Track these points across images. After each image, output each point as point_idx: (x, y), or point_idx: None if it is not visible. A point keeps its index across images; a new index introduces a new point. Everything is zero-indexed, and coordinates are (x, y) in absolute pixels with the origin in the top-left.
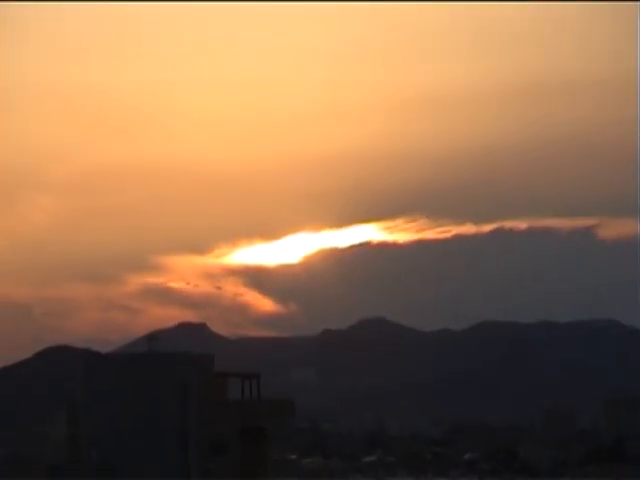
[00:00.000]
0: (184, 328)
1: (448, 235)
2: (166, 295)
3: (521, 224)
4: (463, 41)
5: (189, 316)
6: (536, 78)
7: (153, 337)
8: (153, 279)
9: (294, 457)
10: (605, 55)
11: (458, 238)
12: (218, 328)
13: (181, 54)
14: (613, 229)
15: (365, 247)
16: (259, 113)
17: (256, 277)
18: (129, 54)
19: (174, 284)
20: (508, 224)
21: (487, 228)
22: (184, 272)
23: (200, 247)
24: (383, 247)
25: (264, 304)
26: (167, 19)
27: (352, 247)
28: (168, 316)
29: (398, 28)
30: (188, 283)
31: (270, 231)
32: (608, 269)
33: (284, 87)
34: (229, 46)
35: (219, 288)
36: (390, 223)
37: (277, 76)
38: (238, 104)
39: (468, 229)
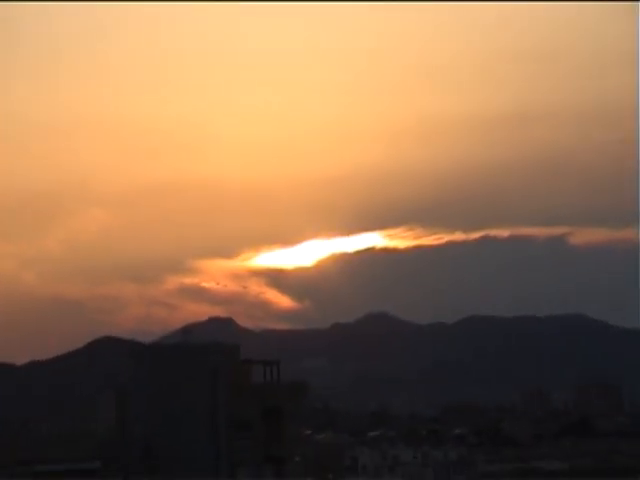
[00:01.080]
0: (214, 322)
1: (441, 242)
2: (199, 293)
3: (504, 232)
4: (454, 76)
5: (218, 311)
6: (519, 108)
7: (187, 330)
8: (188, 280)
9: (309, 432)
10: (572, 89)
11: (449, 244)
12: (243, 322)
13: (212, 88)
14: (582, 237)
15: (370, 252)
16: (279, 139)
17: (276, 278)
18: (166, 87)
19: (206, 284)
20: (493, 232)
21: (474, 236)
22: (214, 274)
23: (228, 252)
24: (385, 252)
25: (283, 301)
26: (198, 58)
27: (358, 252)
28: (200, 311)
29: (400, 65)
30: (218, 283)
31: (288, 238)
32: (578, 271)
33: (301, 118)
34: (253, 82)
35: (244, 287)
36: (391, 231)
37: (294, 109)
38: (261, 131)
39: (458, 237)
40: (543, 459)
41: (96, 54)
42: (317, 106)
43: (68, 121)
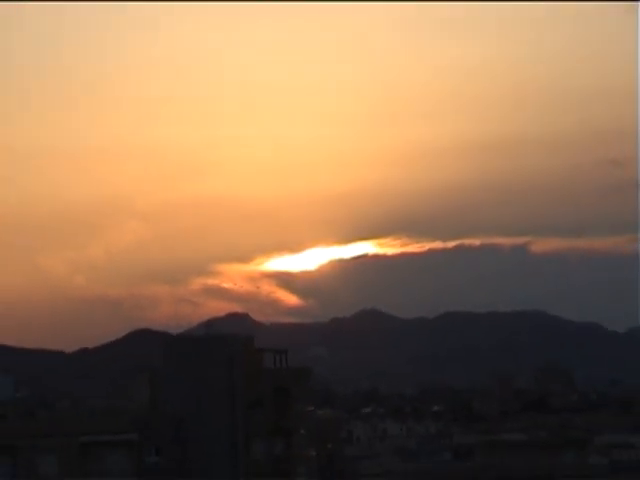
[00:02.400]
0: (232, 317)
1: (423, 249)
2: (219, 293)
3: (476, 241)
4: (434, 109)
5: (236, 308)
6: (490, 137)
7: (209, 323)
8: (210, 281)
9: (312, 409)
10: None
11: (430, 251)
12: (257, 316)
13: (229, 118)
14: (542, 245)
15: (363, 258)
16: (286, 163)
17: (284, 280)
18: (191, 119)
19: (225, 284)
20: (466, 241)
21: (451, 244)
22: (232, 276)
23: (244, 258)
24: (376, 258)
25: (290, 299)
26: (213, 92)
27: (353, 258)
28: (220, 308)
29: (387, 99)
30: (235, 284)
31: (294, 246)
32: (538, 274)
33: (305, 145)
34: (263, 113)
35: (257, 287)
36: (381, 241)
37: (299, 137)
38: (271, 156)
39: (437, 245)
40: (507, 432)
41: (132, 93)
42: (318, 135)
43: (111, 148)
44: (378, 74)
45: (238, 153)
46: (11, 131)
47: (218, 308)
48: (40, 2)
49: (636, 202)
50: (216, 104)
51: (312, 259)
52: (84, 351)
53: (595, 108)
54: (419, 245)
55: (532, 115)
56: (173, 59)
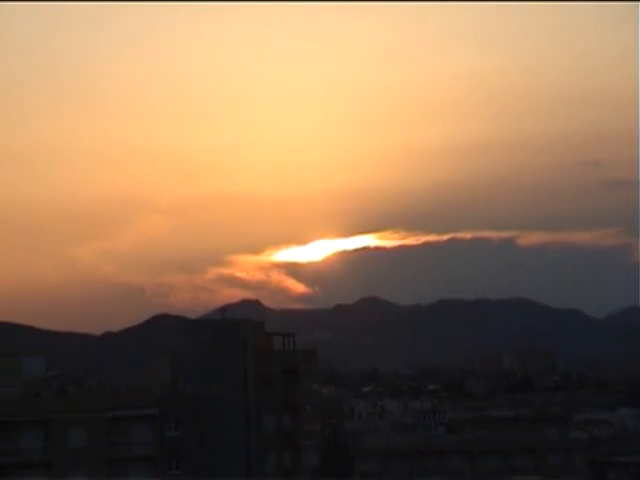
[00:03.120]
0: (245, 303)
1: (419, 242)
2: (233, 281)
3: (467, 235)
4: (436, 111)
5: (248, 295)
6: (480, 140)
7: (224, 309)
8: (225, 270)
9: (317, 388)
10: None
11: (426, 244)
12: (267, 303)
13: (246, 123)
14: (527, 239)
15: (364, 250)
16: (295, 164)
17: (292, 269)
18: (212, 123)
19: (239, 274)
20: (459, 235)
21: (445, 237)
22: (245, 266)
23: (256, 250)
24: (376, 250)
25: (298, 287)
26: (233, 100)
27: (356, 250)
28: (234, 295)
29: (387, 105)
30: (248, 273)
31: (302, 239)
32: (523, 265)
33: (311, 147)
34: (277, 118)
35: (268, 276)
36: (381, 234)
37: (307, 140)
38: (281, 158)
39: (432, 238)
40: (495, 409)
41: (158, 100)
42: (323, 139)
43: (137, 150)
44: (379, 84)
45: (251, 155)
46: (48, 133)
47: (232, 295)
48: (69, 2)
49: (612, 199)
50: (232, 111)
51: (318, 251)
52: (110, 334)
53: (576, 113)
54: (416, 238)
55: (519, 120)
56: (196, 70)
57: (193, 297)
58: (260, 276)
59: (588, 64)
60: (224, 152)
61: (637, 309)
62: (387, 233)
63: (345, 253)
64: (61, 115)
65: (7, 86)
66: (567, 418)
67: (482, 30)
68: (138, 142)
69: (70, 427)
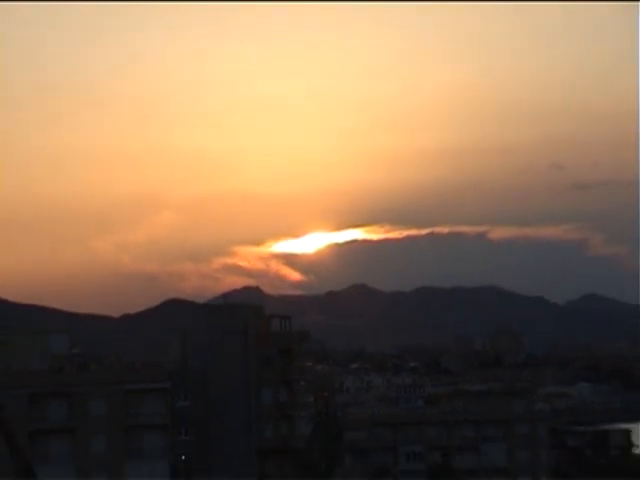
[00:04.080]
0: (246, 289)
1: (401, 235)
2: (236, 270)
3: (444, 229)
4: (417, 120)
5: (249, 282)
6: (458, 145)
7: (228, 295)
8: (229, 260)
9: (310, 365)
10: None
11: (407, 237)
12: (267, 289)
13: (248, 128)
14: (498, 233)
15: (353, 243)
16: (291, 167)
17: (289, 259)
18: (216, 127)
19: (241, 263)
20: (437, 229)
21: (424, 231)
22: (247, 256)
23: (256, 241)
24: (364, 243)
25: (294, 275)
26: (236, 106)
27: (346, 242)
28: (237, 282)
29: (382, 112)
30: (249, 262)
31: (298, 232)
32: (494, 256)
33: (306, 150)
34: (277, 123)
35: (267, 265)
36: (368, 228)
37: (303, 143)
38: (281, 159)
39: (413, 232)
40: (469, 383)
41: (171, 109)
42: (319, 144)
43: (151, 152)
44: (367, 97)
45: (253, 158)
46: (69, 138)
47: (235, 282)
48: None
49: (573, 199)
50: (236, 119)
51: (312, 243)
52: (127, 316)
53: (542, 122)
54: (398, 232)
55: (492, 127)
56: (205, 82)
57: (200, 284)
58: (260, 265)
59: (560, 80)
60: (228, 155)
61: (593, 296)
62: (373, 227)
63: (336, 245)
64: (84, 122)
65: (39, 90)
66: (532, 392)
67: (463, 47)
68: (151, 146)
69: (91, 398)
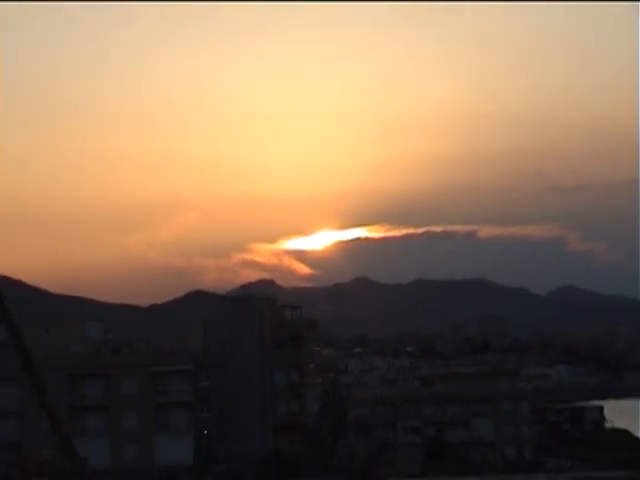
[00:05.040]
0: (261, 282)
1: (400, 234)
2: (253, 265)
3: (438, 228)
4: (415, 129)
5: (265, 276)
6: (452, 153)
7: (245, 286)
8: (246, 256)
9: (318, 349)
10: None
11: (405, 235)
12: (280, 282)
13: (258, 136)
14: (486, 232)
15: (357, 240)
16: (304, 170)
17: (299, 255)
18: (232, 136)
19: (257, 258)
20: (432, 228)
21: (420, 230)
22: (263, 252)
23: (271, 239)
24: (367, 240)
25: (304, 269)
26: (246, 117)
27: (350, 240)
28: (253, 275)
29: (383, 123)
30: (264, 258)
31: (307, 231)
32: (482, 252)
33: (316, 156)
34: (285, 132)
35: (280, 261)
36: (371, 227)
37: (311, 150)
38: (293, 165)
39: (410, 230)
40: (460, 366)
41: (191, 120)
42: (326, 151)
43: (177, 159)
44: (370, 108)
45: (267, 164)
46: (104, 146)
47: (251, 275)
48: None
49: (552, 201)
50: (252, 128)
51: (320, 240)
52: (155, 305)
53: (527, 132)
54: (397, 231)
55: (481, 137)
56: (224, 94)
57: (221, 277)
58: (274, 260)
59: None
60: (245, 162)
61: (571, 287)
62: (375, 227)
63: (341, 242)
64: (116, 135)
65: (78, 104)
66: (516, 373)
67: (459, 63)
68: (177, 153)
69: (123, 379)
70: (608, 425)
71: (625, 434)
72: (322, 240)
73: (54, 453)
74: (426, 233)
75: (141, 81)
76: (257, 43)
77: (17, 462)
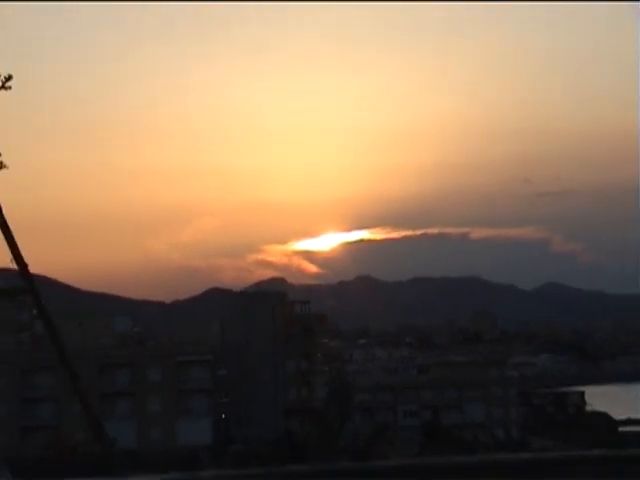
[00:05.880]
0: (273, 280)
1: (400, 236)
2: (265, 264)
3: (434, 230)
4: (412, 139)
5: (276, 274)
6: (446, 162)
7: (258, 284)
8: (259, 256)
9: (325, 341)
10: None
11: (404, 237)
12: (291, 280)
13: (267, 147)
14: (477, 234)
15: (361, 242)
16: (312, 177)
17: (308, 255)
18: (240, 146)
19: (269, 258)
20: (429, 230)
21: (418, 232)
22: (275, 253)
23: (281, 241)
24: (369, 242)
25: (312, 268)
26: (253, 127)
27: (354, 241)
28: (266, 274)
29: (382, 135)
30: (276, 258)
31: (315, 233)
32: (474, 252)
33: (322, 165)
34: (291, 143)
35: (290, 260)
36: (372, 230)
37: (318, 160)
38: (301, 173)
39: (409, 232)
40: (454, 356)
41: (207, 132)
42: (332, 161)
43: (196, 169)
44: (372, 121)
45: (278, 172)
46: (125, 157)
47: (264, 274)
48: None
49: (537, 206)
50: (264, 139)
51: (326, 242)
52: (177, 301)
53: (514, 143)
54: (397, 233)
55: (474, 147)
56: (238, 109)
57: (236, 275)
58: (284, 260)
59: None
60: (257, 171)
61: (554, 284)
62: (377, 229)
63: (346, 243)
64: (138, 144)
65: (108, 118)
66: (504, 362)
67: (452, 78)
68: (195, 164)
69: (148, 368)
70: (588, 408)
71: (604, 417)
72: (328, 241)
73: (86, 435)
74: (423, 235)
75: (161, 96)
76: (268, 60)
77: (54, 443)
